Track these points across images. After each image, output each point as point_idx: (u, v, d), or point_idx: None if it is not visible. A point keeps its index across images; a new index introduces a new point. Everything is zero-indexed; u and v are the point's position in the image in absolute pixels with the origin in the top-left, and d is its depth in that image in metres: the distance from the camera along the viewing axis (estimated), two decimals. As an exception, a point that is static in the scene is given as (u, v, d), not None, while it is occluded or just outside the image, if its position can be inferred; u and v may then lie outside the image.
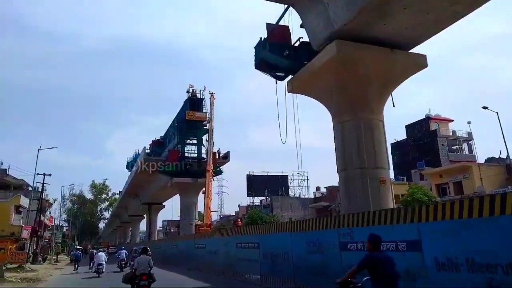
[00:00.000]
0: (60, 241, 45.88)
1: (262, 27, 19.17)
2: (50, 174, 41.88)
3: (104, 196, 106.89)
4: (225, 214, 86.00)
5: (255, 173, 66.39)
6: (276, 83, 17.46)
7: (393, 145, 53.61)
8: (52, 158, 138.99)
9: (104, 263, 21.38)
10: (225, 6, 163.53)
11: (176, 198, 52.44)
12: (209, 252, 19.91)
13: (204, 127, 39.83)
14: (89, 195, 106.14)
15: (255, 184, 65.15)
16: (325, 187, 59.41)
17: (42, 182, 39.31)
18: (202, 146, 40.30)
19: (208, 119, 39.20)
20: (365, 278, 5.37)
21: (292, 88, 16.74)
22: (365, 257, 5.20)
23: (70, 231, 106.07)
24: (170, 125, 44.10)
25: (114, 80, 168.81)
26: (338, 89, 14.77)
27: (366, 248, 5.60)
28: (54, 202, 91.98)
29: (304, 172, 63.84)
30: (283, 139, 17.56)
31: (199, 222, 35.38)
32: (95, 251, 29.82)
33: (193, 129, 39.86)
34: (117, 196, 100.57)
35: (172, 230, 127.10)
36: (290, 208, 58.37)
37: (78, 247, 60.79)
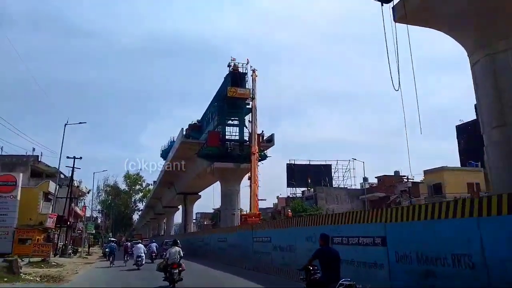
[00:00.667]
0: (93, 232, 42.65)
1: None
2: (80, 158, 38.07)
3: (138, 187, 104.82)
4: (261, 207, 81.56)
5: (295, 162, 61.49)
6: (382, 5, 12.19)
7: (458, 127, 47.05)
8: (89, 151, 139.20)
9: (143, 255, 20.86)
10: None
11: (209, 191, 48.46)
12: (276, 248, 15.15)
13: (247, 106, 35.19)
14: (123, 186, 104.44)
15: (295, 173, 60.26)
16: (376, 177, 53.70)
17: (72, 166, 35.48)
18: (245, 128, 35.72)
19: (251, 96, 34.52)
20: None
21: (406, 15, 11.23)
22: (316, 250, 7.42)
23: (104, 223, 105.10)
24: (209, 106, 39.70)
25: (148, 75, 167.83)
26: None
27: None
28: (89, 192, 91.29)
29: (352, 160, 58.14)
30: (395, 86, 12.23)
31: (245, 212, 30.95)
32: (129, 243, 28.66)
33: (234, 108, 35.28)
34: (151, 187, 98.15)
35: (206, 223, 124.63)
36: (336, 200, 53.06)
37: (113, 239, 58.03)
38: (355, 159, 57.99)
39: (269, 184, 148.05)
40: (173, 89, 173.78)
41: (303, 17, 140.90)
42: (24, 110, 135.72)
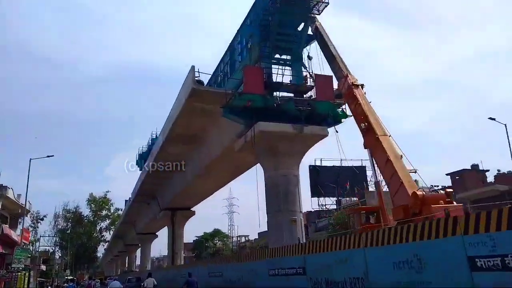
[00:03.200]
0: (23, 263, 24.46)
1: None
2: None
3: (105, 212, 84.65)
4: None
5: (321, 163, 45.72)
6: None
7: None
8: (49, 186, 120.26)
9: None
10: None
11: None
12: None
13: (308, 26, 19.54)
14: (86, 211, 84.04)
15: (321, 178, 44.42)
16: (448, 174, 38.92)
17: None
18: (302, 69, 19.93)
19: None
20: None
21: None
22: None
23: (62, 258, 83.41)
24: (237, 34, 22.39)
25: (113, 105, 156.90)
26: None
27: None
28: (43, 219, 70.70)
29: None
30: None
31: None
32: (93, 282, 26.24)
33: (289, 26, 19.39)
34: (120, 212, 78.68)
35: (184, 254, 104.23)
36: (391, 208, 37.36)
37: (70, 277, 39.77)
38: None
39: (250, 210, 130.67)
40: (139, 120, 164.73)
41: None
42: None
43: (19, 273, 21.23)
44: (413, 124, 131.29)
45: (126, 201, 62.11)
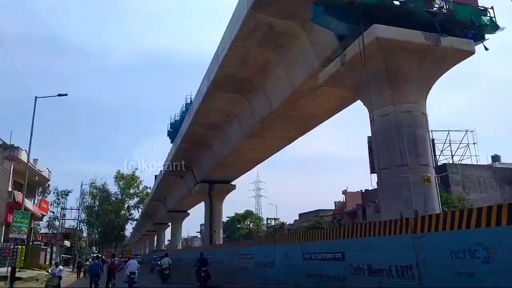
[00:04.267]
0: (25, 235, 18.59)
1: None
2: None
3: (133, 190, 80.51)
4: (305, 212, 58.05)
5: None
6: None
7: None
8: (80, 168, 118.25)
9: (137, 271, 17.56)
10: None
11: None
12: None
13: None
14: (114, 189, 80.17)
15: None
16: None
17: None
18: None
19: None
20: None
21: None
22: None
23: (89, 235, 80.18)
24: None
25: (142, 92, 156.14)
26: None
27: None
28: (67, 194, 66.83)
29: (469, 131, 35.20)
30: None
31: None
32: (117, 260, 21.48)
33: None
34: (149, 190, 74.19)
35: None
36: (479, 186, 30.23)
37: (97, 254, 35.13)
38: (472, 130, 35.23)
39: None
40: (166, 105, 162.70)
41: None
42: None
43: (19, 247, 15.96)
44: None
45: (155, 176, 57.02)
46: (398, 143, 11.47)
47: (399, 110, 11.73)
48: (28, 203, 27.66)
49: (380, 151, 12.07)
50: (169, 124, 45.16)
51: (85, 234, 79.89)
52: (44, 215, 33.11)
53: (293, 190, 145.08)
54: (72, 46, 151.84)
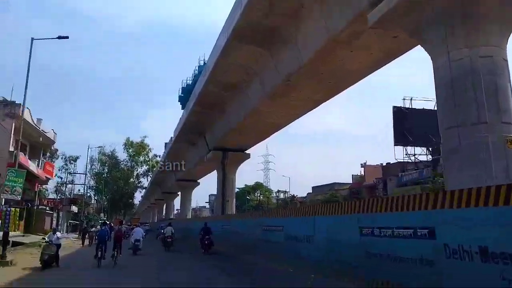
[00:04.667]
0: (19, 196, 16.58)
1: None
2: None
3: (142, 158, 79.15)
4: (319, 185, 56.23)
5: (410, 104, 36.10)
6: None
7: None
8: (87, 136, 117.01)
9: (142, 238, 19.06)
10: None
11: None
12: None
13: None
14: (123, 156, 78.91)
15: (409, 123, 34.97)
16: None
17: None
18: None
19: None
20: None
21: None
22: None
23: (97, 202, 79.88)
24: None
25: (148, 61, 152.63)
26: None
27: None
28: (76, 160, 65.69)
29: None
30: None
31: None
32: (124, 227, 20.93)
33: None
34: (158, 159, 72.78)
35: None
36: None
37: (105, 220, 34.07)
38: None
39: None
40: (172, 76, 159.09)
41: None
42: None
43: (12, 209, 14.29)
44: None
45: (165, 144, 55.33)
46: (473, 95, 9.12)
47: (476, 54, 9.30)
48: (32, 165, 26.01)
49: (447, 106, 9.73)
50: (181, 89, 43.04)
51: (93, 201, 79.58)
52: (49, 179, 31.59)
53: (302, 165, 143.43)
54: (80, 13, 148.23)
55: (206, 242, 18.51)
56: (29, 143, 27.84)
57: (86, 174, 47.43)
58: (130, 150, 77.22)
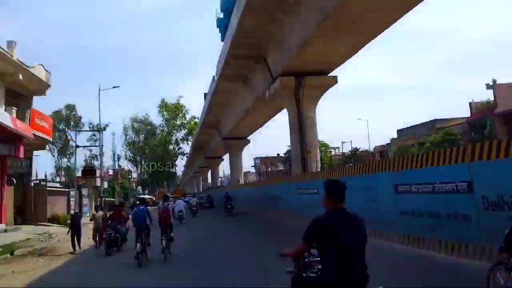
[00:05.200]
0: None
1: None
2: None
3: (179, 121, 69.51)
4: (410, 126, 43.65)
5: None
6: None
7: None
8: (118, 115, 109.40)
9: (184, 209, 20.81)
10: None
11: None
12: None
13: None
14: (159, 120, 69.59)
15: None
16: None
17: None
18: None
19: None
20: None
21: None
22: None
23: (138, 175, 71.79)
24: None
25: (180, 34, 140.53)
26: None
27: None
28: (105, 129, 56.59)
29: None
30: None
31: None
32: (169, 203, 12.83)
33: None
34: (197, 120, 62.61)
35: (269, 169, 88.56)
36: None
37: (146, 196, 24.29)
38: None
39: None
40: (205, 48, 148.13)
41: None
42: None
43: None
44: None
45: (205, 94, 44.41)
46: None
47: None
48: (2, 113, 15.76)
49: None
50: (220, 7, 31.28)
51: (134, 175, 71.69)
52: (47, 140, 21.51)
53: (345, 120, 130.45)
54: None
55: (228, 207, 24.75)
56: (28, 94, 17.81)
57: (126, 148, 37.59)
58: (165, 113, 67.74)
